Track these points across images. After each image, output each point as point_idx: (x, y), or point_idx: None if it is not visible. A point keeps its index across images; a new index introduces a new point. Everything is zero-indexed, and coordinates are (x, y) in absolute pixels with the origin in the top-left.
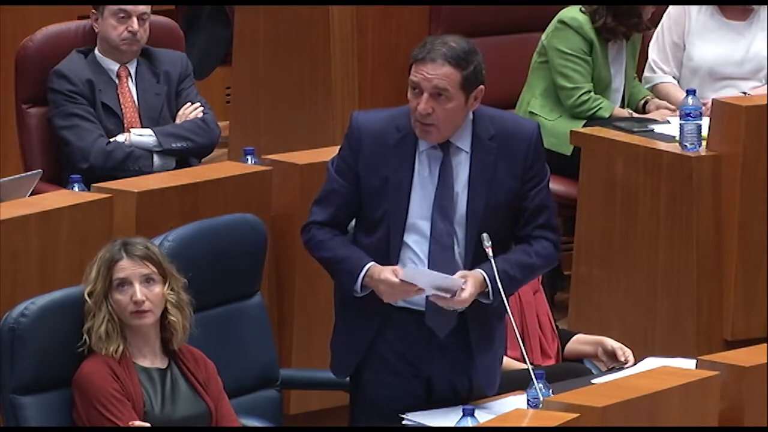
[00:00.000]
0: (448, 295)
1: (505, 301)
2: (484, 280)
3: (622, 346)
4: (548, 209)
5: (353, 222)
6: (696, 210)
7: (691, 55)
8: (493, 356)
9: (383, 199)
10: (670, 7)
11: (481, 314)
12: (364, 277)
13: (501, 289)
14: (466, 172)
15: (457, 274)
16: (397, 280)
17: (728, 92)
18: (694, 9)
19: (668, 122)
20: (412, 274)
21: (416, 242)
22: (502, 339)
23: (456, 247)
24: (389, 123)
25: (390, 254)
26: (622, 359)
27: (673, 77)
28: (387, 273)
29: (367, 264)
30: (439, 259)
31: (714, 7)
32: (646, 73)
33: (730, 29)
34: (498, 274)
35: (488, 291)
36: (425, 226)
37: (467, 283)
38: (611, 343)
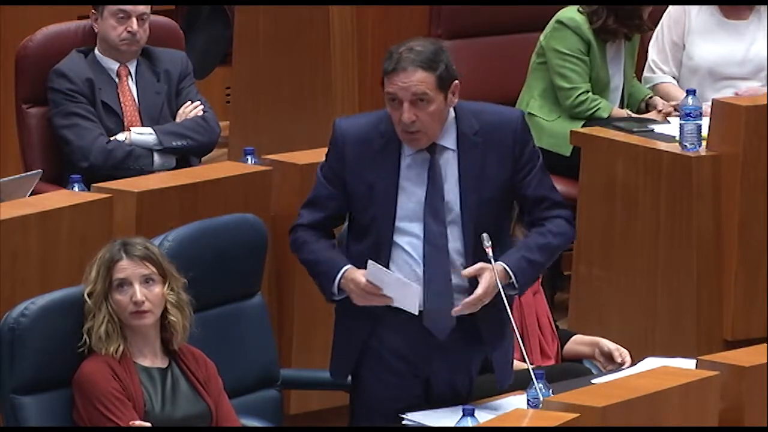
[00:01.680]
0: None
1: (512, 319)
2: (506, 270)
3: (619, 347)
4: (549, 190)
5: (345, 230)
6: (696, 210)
7: (691, 54)
8: (506, 349)
9: (371, 204)
10: (670, 6)
11: (489, 308)
12: (340, 279)
13: (516, 277)
14: (454, 170)
15: (476, 266)
16: (364, 280)
17: (729, 92)
18: (694, 8)
19: (668, 122)
20: (375, 273)
21: (410, 244)
22: (511, 333)
23: (451, 244)
24: (372, 128)
25: (381, 259)
26: (619, 360)
27: (673, 77)
28: (357, 274)
29: (344, 266)
30: (434, 260)
31: (714, 6)
32: (646, 73)
33: (730, 28)
34: (524, 263)
35: (513, 282)
36: (417, 228)
37: (482, 280)
38: (608, 344)
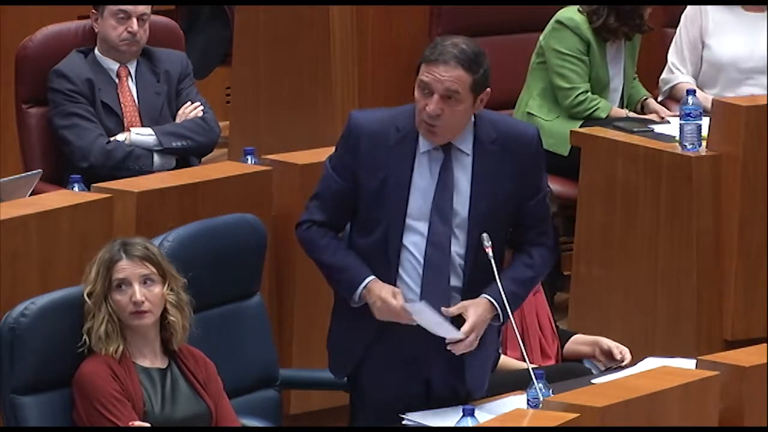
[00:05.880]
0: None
1: (512, 318)
2: (492, 304)
3: (619, 345)
4: (545, 219)
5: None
6: (696, 210)
7: (711, 51)
8: (482, 359)
9: (381, 199)
10: (688, 7)
11: None
12: (362, 289)
13: (509, 312)
14: (467, 174)
15: (458, 305)
16: (395, 302)
17: (752, 87)
18: (710, 6)
19: (668, 122)
20: (415, 310)
21: (414, 244)
22: (493, 342)
23: (454, 249)
24: (389, 123)
25: (389, 256)
26: (619, 357)
27: (693, 77)
28: (386, 292)
29: (367, 277)
30: (435, 260)
31: None
32: (664, 75)
33: (749, 22)
34: (506, 296)
35: (498, 314)
36: (423, 227)
37: (468, 318)
38: (608, 342)
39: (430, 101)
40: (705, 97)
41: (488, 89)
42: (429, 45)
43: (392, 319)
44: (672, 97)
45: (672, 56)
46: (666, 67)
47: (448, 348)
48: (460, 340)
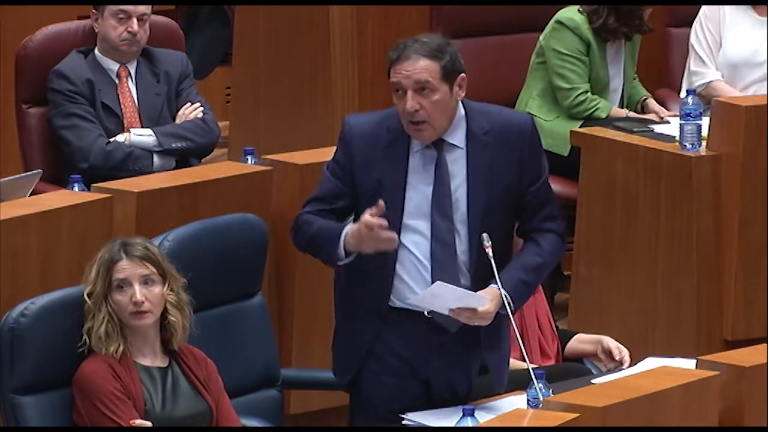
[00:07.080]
0: (467, 313)
1: (511, 318)
2: (500, 294)
3: (620, 346)
4: (551, 202)
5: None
6: (696, 210)
7: (725, 51)
8: (502, 354)
9: (378, 201)
10: (704, 6)
11: None
12: (345, 235)
13: (513, 301)
14: (462, 168)
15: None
16: (370, 218)
17: (759, 86)
18: (726, 6)
19: (668, 122)
20: (436, 293)
21: (415, 243)
22: (506, 337)
23: (458, 244)
24: (380, 125)
25: (388, 258)
26: (618, 359)
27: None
28: (363, 217)
29: (348, 226)
30: (442, 257)
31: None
32: (695, 67)
33: (761, 26)
34: (516, 283)
35: (509, 303)
36: (424, 226)
37: (482, 306)
38: (610, 342)
39: (406, 99)
40: (731, 90)
41: (463, 74)
42: (392, 48)
43: (379, 241)
44: (704, 96)
45: (698, 48)
46: (692, 58)
47: (456, 315)
48: (473, 310)
